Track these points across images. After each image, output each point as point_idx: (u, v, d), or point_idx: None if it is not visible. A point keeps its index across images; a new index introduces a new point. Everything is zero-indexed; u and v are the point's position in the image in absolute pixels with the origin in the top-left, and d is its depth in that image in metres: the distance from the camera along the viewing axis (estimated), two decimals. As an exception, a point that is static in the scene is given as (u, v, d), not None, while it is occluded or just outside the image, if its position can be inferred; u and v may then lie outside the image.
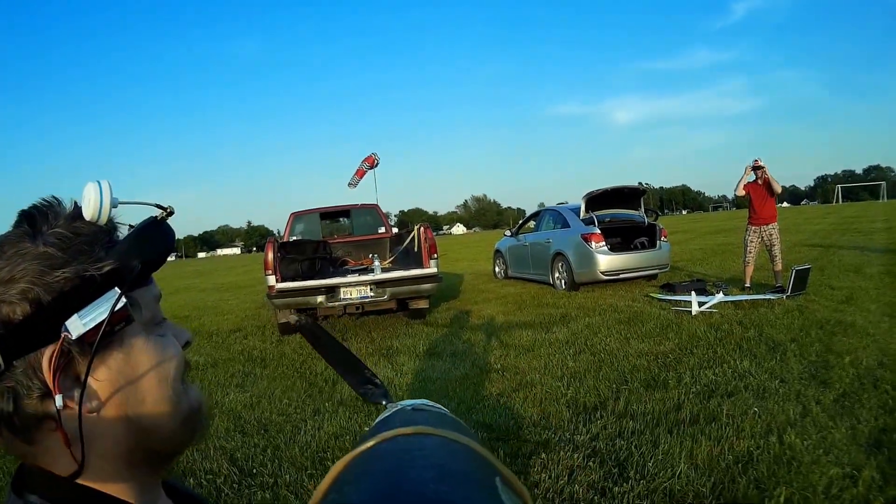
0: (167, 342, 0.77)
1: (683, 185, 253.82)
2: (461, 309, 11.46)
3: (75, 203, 0.73)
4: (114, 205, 0.71)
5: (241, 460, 4.46)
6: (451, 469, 0.49)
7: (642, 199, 13.64)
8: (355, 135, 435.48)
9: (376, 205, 13.17)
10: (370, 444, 0.54)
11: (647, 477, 3.69)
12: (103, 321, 0.66)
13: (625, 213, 13.50)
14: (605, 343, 7.37)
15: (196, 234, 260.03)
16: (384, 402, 0.72)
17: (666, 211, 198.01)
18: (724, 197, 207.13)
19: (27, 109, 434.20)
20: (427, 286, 9.39)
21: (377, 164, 13.26)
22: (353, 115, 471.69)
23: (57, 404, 0.65)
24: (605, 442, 4.30)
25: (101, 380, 0.70)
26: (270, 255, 9.19)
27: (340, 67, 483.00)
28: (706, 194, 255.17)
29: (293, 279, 9.52)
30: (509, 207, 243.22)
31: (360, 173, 13.35)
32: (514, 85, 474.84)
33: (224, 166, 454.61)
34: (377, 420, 0.63)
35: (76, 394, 0.67)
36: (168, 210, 0.75)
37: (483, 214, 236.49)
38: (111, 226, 0.73)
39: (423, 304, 10.12)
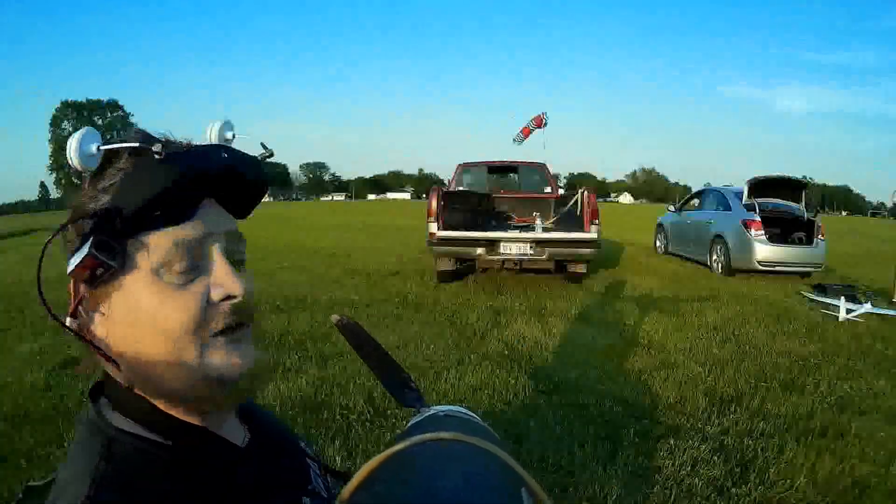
0: (180, 294, 0.70)
1: (846, 186, 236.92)
2: (617, 278, 11.25)
3: (155, 138, 0.71)
4: (87, 153, 0.69)
5: (377, 399, 4.52)
6: (479, 476, 0.49)
7: (804, 192, 12.83)
8: (531, 90, 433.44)
9: (544, 164, 12.90)
10: (402, 446, 0.54)
11: (765, 483, 3.56)
12: (77, 264, 0.66)
13: (786, 203, 12.78)
14: (751, 335, 7.08)
15: (367, 177, 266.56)
16: (418, 407, 0.71)
17: (826, 210, 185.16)
18: (883, 204, 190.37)
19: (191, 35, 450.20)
20: (586, 251, 9.22)
21: (545, 124, 13.06)
22: (531, 71, 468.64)
23: (66, 322, 0.71)
24: (734, 438, 4.15)
25: (104, 313, 0.71)
26: (434, 203, 9.33)
27: (522, 24, 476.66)
28: (866, 199, 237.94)
29: (455, 228, 9.57)
30: (676, 183, 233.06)
31: (526, 132, 13.23)
32: (690, 61, 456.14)
33: (399, 111, 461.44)
34: (410, 423, 0.64)
35: (85, 316, 0.72)
36: (159, 152, 0.68)
37: (650, 187, 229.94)
38: (153, 159, 0.68)
39: (580, 269, 9.92)
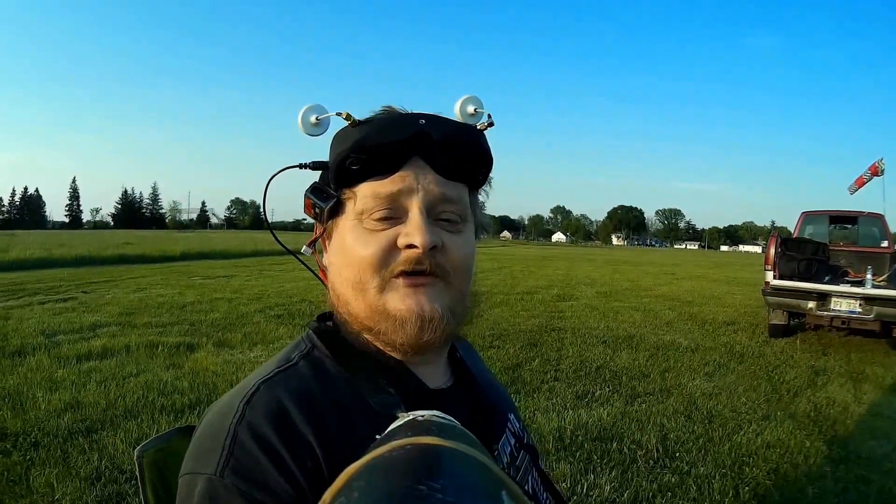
0: (372, 236, 0.78)
1: None
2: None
3: (378, 112, 0.82)
4: (309, 122, 0.83)
5: (671, 441, 4.47)
6: (459, 480, 0.48)
7: None
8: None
9: (882, 216, 11.35)
10: (381, 451, 0.53)
11: None
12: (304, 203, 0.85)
13: None
14: None
15: (721, 227, 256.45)
16: (397, 412, 0.69)
17: None
18: None
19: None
20: None
21: (882, 172, 11.69)
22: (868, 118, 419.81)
23: (302, 248, 0.90)
24: None
25: (328, 249, 0.87)
26: (772, 251, 9.06)
27: (852, 70, 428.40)
28: None
29: (790, 278, 9.10)
30: None
31: (860, 182, 11.90)
32: None
33: (748, 163, 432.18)
34: (389, 428, 0.62)
35: (322, 250, 0.89)
36: (346, 116, 0.78)
37: None
38: (371, 126, 0.78)
39: None
